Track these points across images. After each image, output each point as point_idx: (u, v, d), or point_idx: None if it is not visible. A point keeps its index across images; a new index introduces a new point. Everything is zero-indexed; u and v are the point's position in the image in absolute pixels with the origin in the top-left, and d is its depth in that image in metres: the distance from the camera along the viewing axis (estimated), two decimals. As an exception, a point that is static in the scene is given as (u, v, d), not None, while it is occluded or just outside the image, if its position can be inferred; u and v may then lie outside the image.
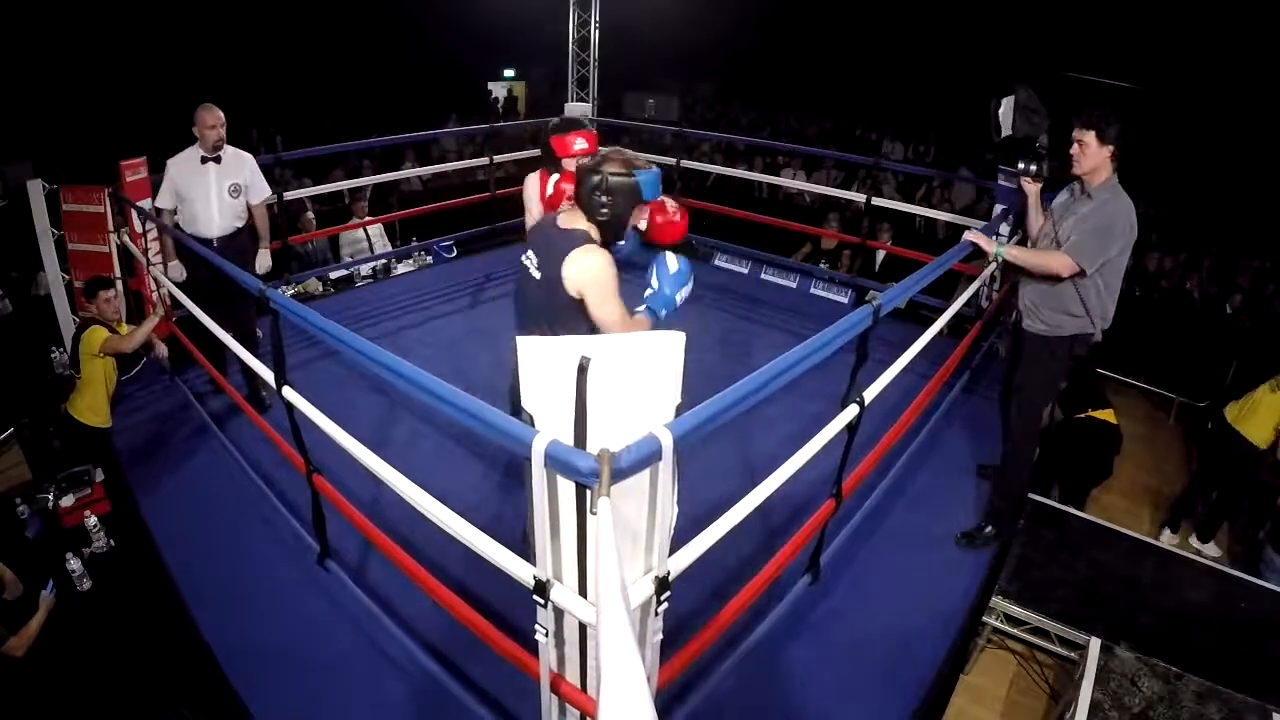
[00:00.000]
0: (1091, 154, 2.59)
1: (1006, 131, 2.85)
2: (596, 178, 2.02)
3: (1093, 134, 2.57)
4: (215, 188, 3.55)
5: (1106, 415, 3.77)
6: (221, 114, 3.51)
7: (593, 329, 2.06)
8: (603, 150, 2.12)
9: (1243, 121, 10.68)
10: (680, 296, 2.17)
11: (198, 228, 3.57)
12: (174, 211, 3.60)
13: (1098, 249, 2.58)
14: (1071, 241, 2.61)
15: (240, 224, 3.69)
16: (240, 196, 3.64)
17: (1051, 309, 2.75)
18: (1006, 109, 2.89)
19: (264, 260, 3.85)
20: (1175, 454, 5.03)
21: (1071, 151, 2.65)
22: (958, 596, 2.76)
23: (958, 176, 7.52)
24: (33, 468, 3.67)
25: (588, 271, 2.00)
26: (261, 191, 3.75)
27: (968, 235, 2.94)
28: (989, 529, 3.03)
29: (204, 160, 3.52)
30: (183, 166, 3.53)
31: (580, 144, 2.71)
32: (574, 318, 2.04)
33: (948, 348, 3.74)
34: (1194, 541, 4.05)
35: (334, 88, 11.55)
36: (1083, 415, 3.75)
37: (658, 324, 2.10)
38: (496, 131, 5.98)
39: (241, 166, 3.64)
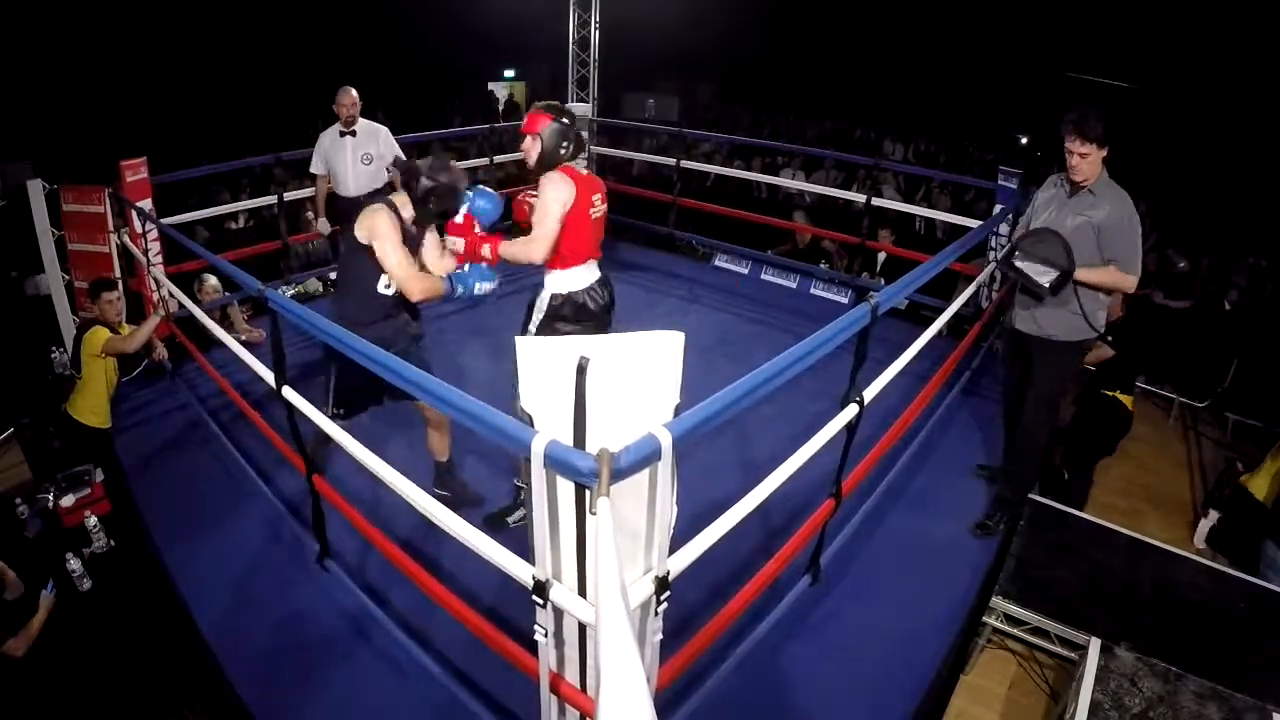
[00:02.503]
0: (1093, 161, 2.63)
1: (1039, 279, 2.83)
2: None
3: (1094, 145, 2.59)
4: (351, 157, 4.29)
5: (1127, 400, 3.84)
6: (355, 95, 4.27)
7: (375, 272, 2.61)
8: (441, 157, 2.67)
9: (1241, 121, 10.68)
10: (481, 288, 2.69)
11: (339, 189, 4.36)
12: (326, 176, 4.42)
13: (1138, 248, 2.66)
14: (1122, 257, 2.65)
15: (378, 185, 4.33)
16: (373, 164, 4.33)
17: (1060, 310, 2.78)
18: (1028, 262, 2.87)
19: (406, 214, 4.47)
20: (1175, 454, 5.02)
21: (1072, 164, 2.65)
22: (958, 596, 2.76)
23: (995, 185, 7.39)
24: (33, 468, 3.67)
25: (371, 224, 2.53)
26: (379, 159, 4.39)
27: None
28: (999, 515, 3.12)
29: (342, 134, 4.29)
30: (328, 139, 4.32)
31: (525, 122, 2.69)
32: (357, 258, 2.60)
33: (947, 348, 3.75)
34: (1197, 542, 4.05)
35: (333, 87, 11.56)
36: (1110, 393, 3.78)
37: (449, 291, 2.65)
38: (496, 131, 5.99)
39: (375, 139, 4.37)
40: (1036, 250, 2.74)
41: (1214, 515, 4.09)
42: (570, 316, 2.74)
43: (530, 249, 2.59)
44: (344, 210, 4.25)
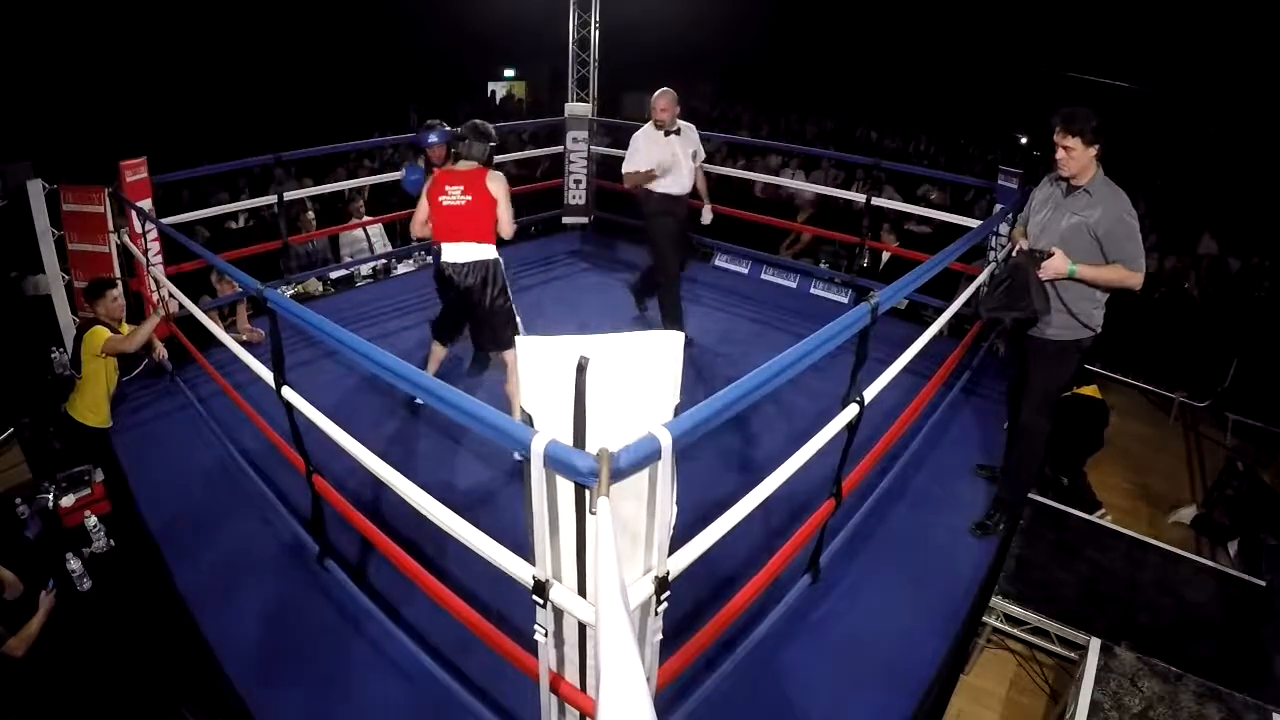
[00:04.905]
0: (1078, 156, 2.62)
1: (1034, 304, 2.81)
2: None
3: (1078, 139, 2.58)
4: (684, 154, 4.21)
5: (1091, 391, 3.88)
6: (670, 98, 4.15)
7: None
8: None
9: (1241, 121, 10.68)
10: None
11: (670, 188, 4.22)
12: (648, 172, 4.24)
13: (1140, 246, 2.65)
14: (1127, 257, 2.63)
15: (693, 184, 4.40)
16: (697, 161, 4.33)
17: (1057, 311, 2.77)
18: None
19: (708, 215, 4.64)
20: (1174, 454, 5.02)
21: (1057, 157, 2.65)
22: (958, 596, 2.76)
23: (995, 184, 7.39)
24: (33, 468, 3.67)
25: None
26: (700, 155, 4.42)
27: (1053, 261, 2.69)
28: (999, 515, 3.11)
29: (666, 134, 4.17)
30: (646, 139, 4.20)
31: None
32: None
33: (947, 348, 3.75)
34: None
35: (334, 87, 11.56)
36: (1068, 394, 3.81)
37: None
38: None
39: (695, 135, 4.33)
40: (1014, 307, 2.77)
41: (1194, 510, 4.11)
42: (437, 284, 3.41)
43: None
44: (665, 209, 4.21)
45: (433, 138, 4.16)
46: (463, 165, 3.27)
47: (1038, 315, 2.76)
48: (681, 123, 4.25)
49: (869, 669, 2.43)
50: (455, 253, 3.27)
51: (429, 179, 3.35)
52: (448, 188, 3.23)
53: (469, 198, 3.21)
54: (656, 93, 4.18)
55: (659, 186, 4.22)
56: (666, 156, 4.14)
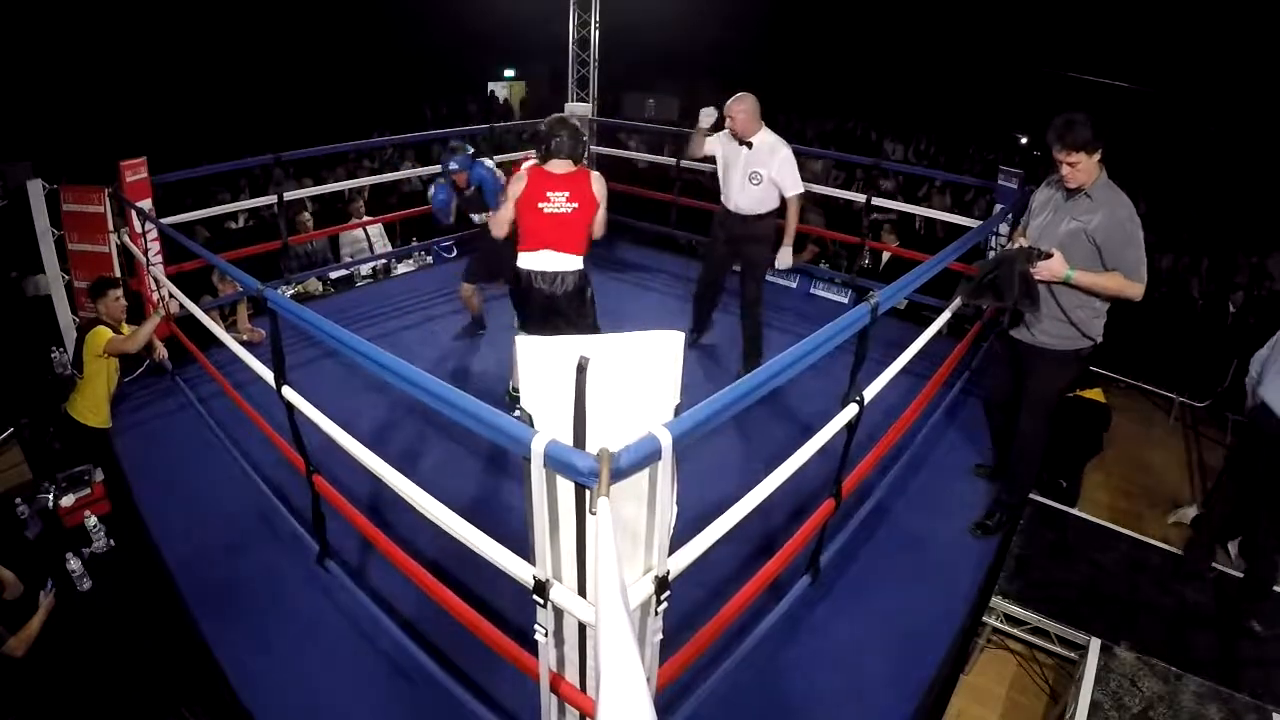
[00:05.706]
0: (1085, 166, 2.53)
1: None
2: None
3: (1081, 152, 2.50)
4: (741, 170, 3.85)
5: (1095, 394, 3.88)
6: (748, 105, 3.73)
7: None
8: None
9: (1242, 121, 10.68)
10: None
11: (724, 198, 4.02)
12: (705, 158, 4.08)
13: (1142, 255, 2.57)
14: (1127, 266, 2.56)
15: (762, 210, 3.91)
16: (761, 184, 3.83)
17: (1050, 319, 2.73)
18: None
19: (784, 257, 4.10)
20: (1175, 454, 5.02)
21: (1064, 173, 2.57)
22: (957, 597, 2.76)
23: (995, 185, 7.34)
24: (33, 468, 3.66)
25: None
26: (793, 186, 3.86)
27: (1050, 263, 2.61)
28: (999, 516, 3.10)
29: (740, 143, 3.85)
30: (723, 140, 3.93)
31: None
32: None
33: (947, 348, 3.75)
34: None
35: (333, 87, 11.56)
36: (1071, 395, 3.81)
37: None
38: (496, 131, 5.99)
39: (770, 158, 3.80)
40: (998, 296, 2.71)
41: (1194, 510, 4.10)
42: (519, 292, 3.16)
43: (491, 222, 3.29)
44: (716, 220, 4.09)
45: (454, 164, 3.92)
46: (558, 166, 3.00)
47: (1020, 309, 2.70)
48: (766, 139, 3.80)
49: (869, 669, 2.43)
50: (548, 261, 3.04)
51: (521, 184, 3.00)
52: (550, 194, 2.97)
53: (575, 205, 2.99)
54: (735, 97, 3.82)
55: (723, 197, 4.05)
56: (718, 158, 3.95)
